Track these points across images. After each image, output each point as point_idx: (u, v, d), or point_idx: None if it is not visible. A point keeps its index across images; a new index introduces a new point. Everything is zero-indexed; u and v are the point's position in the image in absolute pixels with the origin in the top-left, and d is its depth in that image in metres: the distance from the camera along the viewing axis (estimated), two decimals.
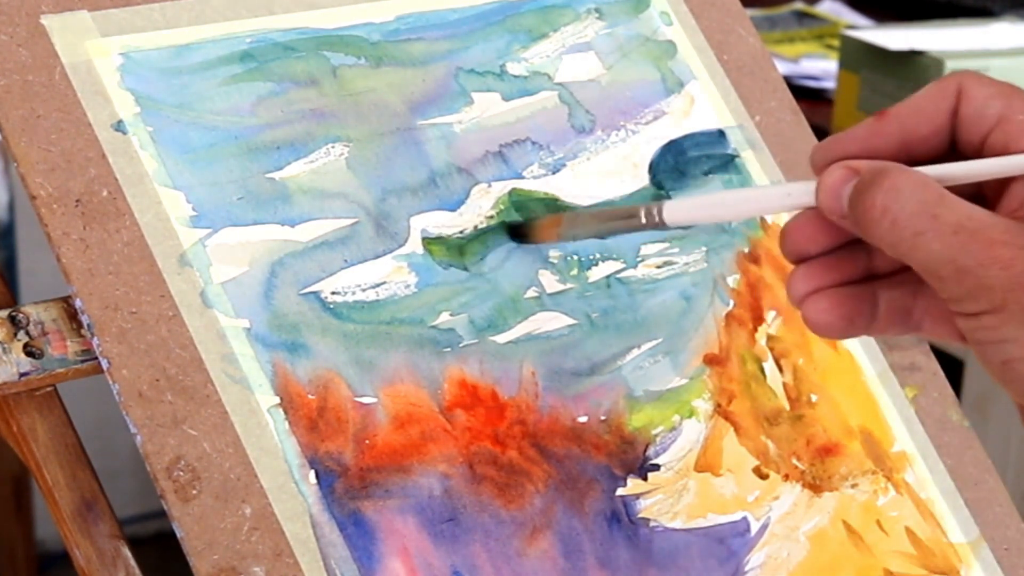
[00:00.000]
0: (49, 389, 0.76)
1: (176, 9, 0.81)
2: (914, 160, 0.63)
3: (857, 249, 0.64)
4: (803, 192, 0.63)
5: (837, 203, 0.61)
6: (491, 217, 0.84)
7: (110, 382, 0.73)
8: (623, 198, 0.87)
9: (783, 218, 0.90)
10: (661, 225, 0.71)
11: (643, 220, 0.72)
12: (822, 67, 1.84)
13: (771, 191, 0.73)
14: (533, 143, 0.86)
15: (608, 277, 0.85)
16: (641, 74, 0.91)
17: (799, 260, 0.65)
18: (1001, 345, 0.57)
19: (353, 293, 0.79)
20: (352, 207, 0.81)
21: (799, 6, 2.12)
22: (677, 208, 0.70)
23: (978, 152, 0.63)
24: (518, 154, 0.86)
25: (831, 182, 0.62)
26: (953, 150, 0.64)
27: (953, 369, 1.50)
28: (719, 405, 0.85)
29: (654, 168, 0.89)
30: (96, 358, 0.74)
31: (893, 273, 0.64)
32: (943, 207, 0.58)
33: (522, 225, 0.83)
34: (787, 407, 0.86)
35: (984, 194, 0.63)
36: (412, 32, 0.86)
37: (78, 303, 0.74)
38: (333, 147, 0.82)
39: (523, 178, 0.85)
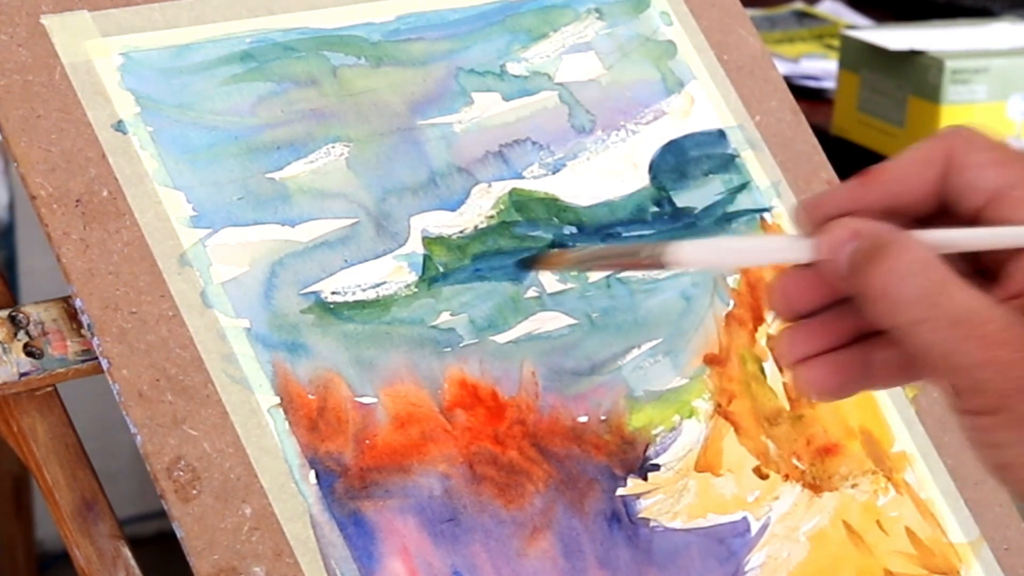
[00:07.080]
0: (49, 389, 0.76)
1: (176, 9, 0.81)
2: (904, 221, 0.60)
3: (850, 307, 0.61)
4: (805, 246, 0.61)
5: (837, 263, 0.59)
6: (491, 217, 0.84)
7: (110, 382, 0.73)
8: (623, 198, 0.87)
9: (786, 214, 0.90)
10: (662, 265, 0.70)
11: (644, 259, 0.71)
12: (822, 67, 1.84)
13: (774, 242, 0.74)
14: (533, 143, 0.86)
15: (608, 277, 0.85)
16: (641, 74, 0.91)
17: (789, 317, 0.62)
18: (997, 449, 0.55)
19: (353, 293, 0.79)
20: (352, 207, 0.81)
21: (799, 6, 2.12)
22: (679, 251, 0.69)
23: (973, 223, 0.60)
24: (518, 154, 0.86)
25: (832, 241, 0.59)
26: (945, 210, 0.61)
27: None
28: (719, 405, 0.85)
29: (654, 168, 0.89)
30: (96, 358, 0.74)
31: (888, 333, 0.61)
32: (943, 295, 0.56)
33: (530, 258, 0.82)
34: (787, 407, 0.86)
35: (985, 265, 0.61)
36: (412, 32, 0.86)
37: (78, 303, 0.74)
38: (333, 147, 0.82)
39: (523, 178, 0.85)
